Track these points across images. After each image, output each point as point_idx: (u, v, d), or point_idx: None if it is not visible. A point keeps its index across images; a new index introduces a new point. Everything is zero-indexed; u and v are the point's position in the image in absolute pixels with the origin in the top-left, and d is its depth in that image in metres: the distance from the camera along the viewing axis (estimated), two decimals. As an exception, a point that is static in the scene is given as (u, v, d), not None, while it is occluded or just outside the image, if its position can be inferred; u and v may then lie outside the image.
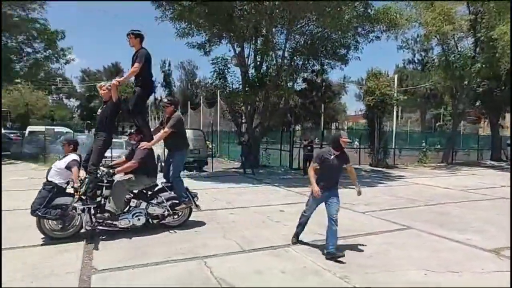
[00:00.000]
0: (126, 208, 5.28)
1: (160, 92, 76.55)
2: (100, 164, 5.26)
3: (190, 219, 5.83)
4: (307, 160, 14.00)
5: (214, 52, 16.15)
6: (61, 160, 5.10)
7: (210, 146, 19.42)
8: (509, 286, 3.67)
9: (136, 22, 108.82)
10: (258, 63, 15.61)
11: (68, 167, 4.88)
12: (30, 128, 26.34)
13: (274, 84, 14.62)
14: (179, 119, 5.69)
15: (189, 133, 15.71)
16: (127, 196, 5.32)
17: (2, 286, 3.17)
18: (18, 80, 25.20)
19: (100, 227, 5.01)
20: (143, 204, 5.40)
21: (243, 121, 16.79)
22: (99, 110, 5.58)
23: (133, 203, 5.38)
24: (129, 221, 5.15)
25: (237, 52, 15.43)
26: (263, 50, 14.92)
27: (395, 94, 17.77)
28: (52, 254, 4.33)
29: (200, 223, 5.92)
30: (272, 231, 5.57)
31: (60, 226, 4.87)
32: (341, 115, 52.04)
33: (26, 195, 8.26)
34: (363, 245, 4.89)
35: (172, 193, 5.63)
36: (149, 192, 5.54)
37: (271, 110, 15.74)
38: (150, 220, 5.44)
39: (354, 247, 4.77)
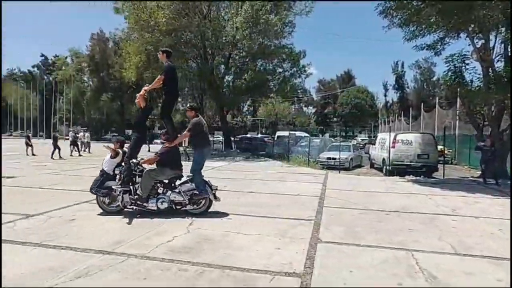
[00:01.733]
0: (155, 194, 6.34)
1: (391, 95, 74.79)
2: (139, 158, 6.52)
3: (403, 218, 6.09)
4: None
5: (446, 50, 14.80)
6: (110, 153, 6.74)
7: (445, 152, 17.72)
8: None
9: (361, 32, 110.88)
10: (510, 53, 13.09)
11: (112, 157, 6.56)
12: (278, 133, 32.50)
13: (533, 76, 11.83)
14: (195, 123, 6.40)
15: (417, 137, 15.18)
16: (158, 184, 6.37)
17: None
18: (272, 95, 31.72)
19: (134, 207, 6.25)
20: (169, 192, 6.33)
21: (485, 123, 14.46)
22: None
23: (160, 190, 6.40)
24: (155, 205, 6.18)
25: (477, 45, 13.56)
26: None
27: None
28: (294, 225, 5.84)
29: (416, 224, 6.07)
30: (502, 243, 5.02)
31: (107, 202, 6.38)
32: None
33: (274, 184, 10.86)
34: None
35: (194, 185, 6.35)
36: (176, 183, 6.45)
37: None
38: (173, 206, 6.29)
39: None
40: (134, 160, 6.38)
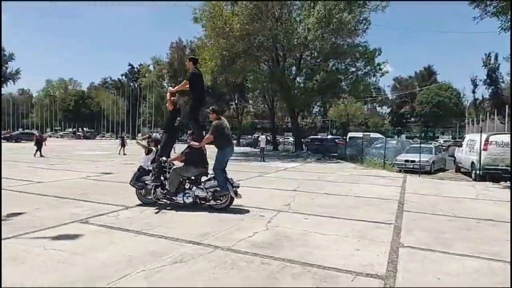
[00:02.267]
0: (183, 189, 6.86)
1: (481, 92, 67.19)
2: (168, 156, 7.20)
3: (497, 227, 5.56)
4: None
5: None
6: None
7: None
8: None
9: (441, 24, 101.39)
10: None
11: (146, 154, 7.38)
12: (350, 134, 31.47)
13: None
14: (216, 125, 6.78)
15: (508, 138, 13.39)
16: (187, 180, 6.88)
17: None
18: (344, 95, 30.83)
19: (164, 200, 6.88)
20: (194, 188, 6.83)
21: None
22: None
23: (188, 185, 6.88)
24: (181, 199, 6.77)
25: None
26: None
27: None
28: (372, 227, 5.73)
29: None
30: None
31: (143, 193, 7.11)
32: None
33: (348, 186, 10.69)
34: None
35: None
36: (202, 179, 6.90)
37: None
38: (198, 200, 6.81)
39: None
40: (164, 158, 7.06)
